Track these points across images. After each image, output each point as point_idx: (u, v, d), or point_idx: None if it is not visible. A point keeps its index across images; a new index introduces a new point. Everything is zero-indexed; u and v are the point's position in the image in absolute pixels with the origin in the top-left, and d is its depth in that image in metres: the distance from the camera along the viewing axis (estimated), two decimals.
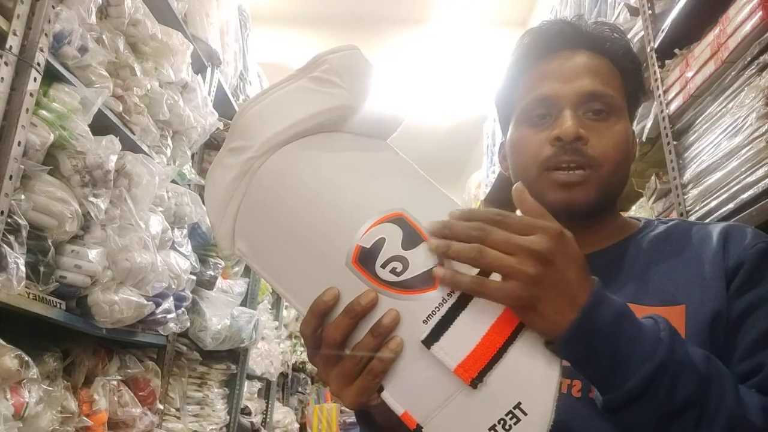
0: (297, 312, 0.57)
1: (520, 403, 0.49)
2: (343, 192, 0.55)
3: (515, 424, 0.49)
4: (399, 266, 0.52)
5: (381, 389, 0.52)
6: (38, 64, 1.35)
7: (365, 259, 0.52)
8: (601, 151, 0.73)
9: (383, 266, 0.52)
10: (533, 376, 0.50)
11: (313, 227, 0.54)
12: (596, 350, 0.52)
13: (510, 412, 0.49)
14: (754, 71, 1.17)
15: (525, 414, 0.49)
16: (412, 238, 0.53)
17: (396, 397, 0.52)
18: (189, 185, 2.26)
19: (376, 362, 0.51)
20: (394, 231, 0.53)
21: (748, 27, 1.16)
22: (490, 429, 0.49)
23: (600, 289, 0.53)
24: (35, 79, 1.33)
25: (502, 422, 0.49)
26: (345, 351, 0.53)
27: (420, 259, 0.52)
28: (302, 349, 4.71)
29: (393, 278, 0.51)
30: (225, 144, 0.59)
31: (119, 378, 1.83)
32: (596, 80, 0.75)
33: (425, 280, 0.51)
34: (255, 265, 0.57)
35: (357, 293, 0.52)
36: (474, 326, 0.50)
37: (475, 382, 0.49)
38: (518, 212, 0.56)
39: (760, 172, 1.11)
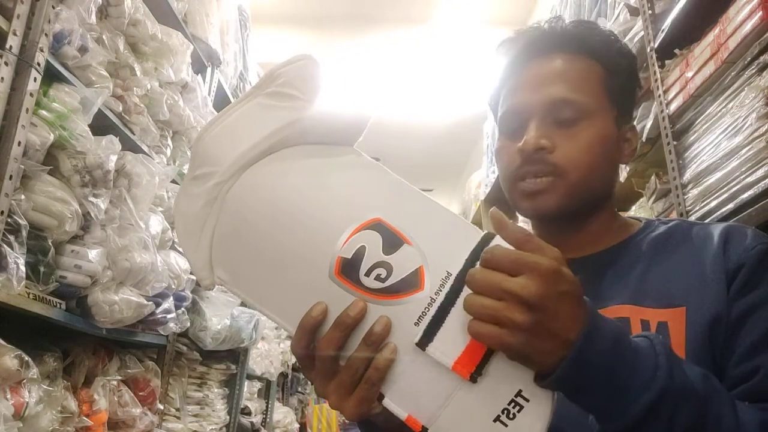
0: (287, 332, 0.56)
1: (521, 391, 0.50)
2: (317, 205, 0.55)
3: (519, 411, 0.49)
4: (383, 272, 0.51)
5: (381, 396, 0.52)
6: (38, 64, 1.35)
7: (348, 269, 0.52)
8: (568, 157, 0.73)
9: (367, 274, 0.51)
10: None
11: (290, 245, 0.54)
12: (591, 383, 0.51)
13: (512, 400, 0.49)
14: (754, 71, 1.17)
15: (527, 400, 0.49)
16: (392, 241, 0.52)
17: (398, 403, 0.52)
18: None
19: (373, 371, 0.50)
20: (373, 237, 0.52)
21: (748, 27, 1.16)
22: (495, 420, 0.49)
23: (593, 318, 0.51)
24: (35, 79, 1.33)
25: (506, 411, 0.49)
26: (340, 363, 0.52)
27: (403, 262, 0.51)
28: None
29: (379, 285, 0.51)
30: (188, 173, 0.58)
31: (119, 378, 1.83)
32: (566, 86, 0.75)
33: (411, 282, 0.51)
34: (238, 292, 0.56)
35: (345, 305, 0.51)
36: (466, 322, 0.50)
37: (474, 376, 0.49)
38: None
39: (760, 172, 1.11)
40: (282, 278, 0.54)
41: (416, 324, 0.50)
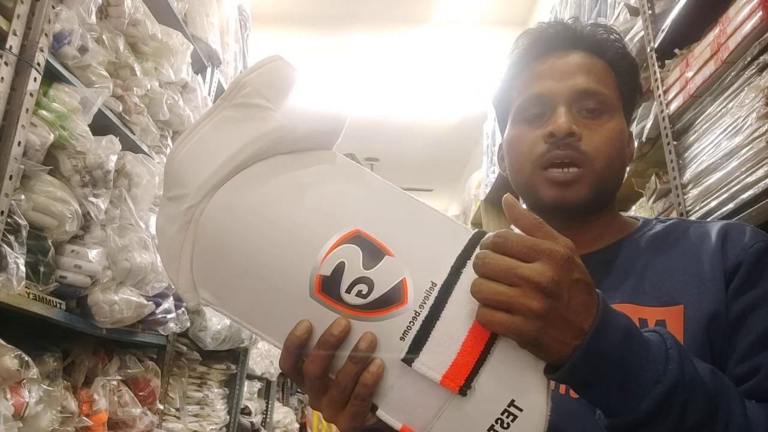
0: (278, 349, 0.54)
1: (513, 401, 0.49)
2: (293, 222, 0.53)
3: (513, 421, 0.49)
4: (364, 288, 0.50)
5: (375, 408, 0.52)
6: (38, 64, 1.35)
7: (328, 287, 0.50)
8: (593, 147, 0.73)
9: (348, 291, 0.50)
10: (522, 372, 0.50)
11: (269, 265, 0.52)
12: (602, 375, 0.50)
13: (505, 410, 0.49)
14: (754, 71, 1.17)
15: (521, 410, 0.49)
16: (373, 254, 0.50)
17: (391, 414, 0.51)
18: None
19: (361, 387, 0.50)
20: (353, 251, 0.51)
21: (748, 27, 1.16)
22: (489, 430, 0.49)
23: (605, 309, 0.50)
24: (35, 79, 1.33)
25: (499, 421, 0.49)
26: (330, 377, 0.52)
27: (385, 276, 0.50)
28: None
29: (360, 301, 0.50)
30: (164, 192, 0.56)
31: (119, 378, 1.84)
32: (590, 78, 0.75)
33: (394, 297, 0.49)
34: (223, 311, 0.55)
35: (328, 323, 0.50)
36: (452, 334, 0.49)
37: (464, 389, 0.48)
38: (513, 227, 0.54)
39: (760, 172, 1.11)
40: (264, 298, 0.53)
41: (402, 339, 0.49)
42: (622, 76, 0.79)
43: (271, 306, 0.53)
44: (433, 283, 0.50)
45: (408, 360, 0.49)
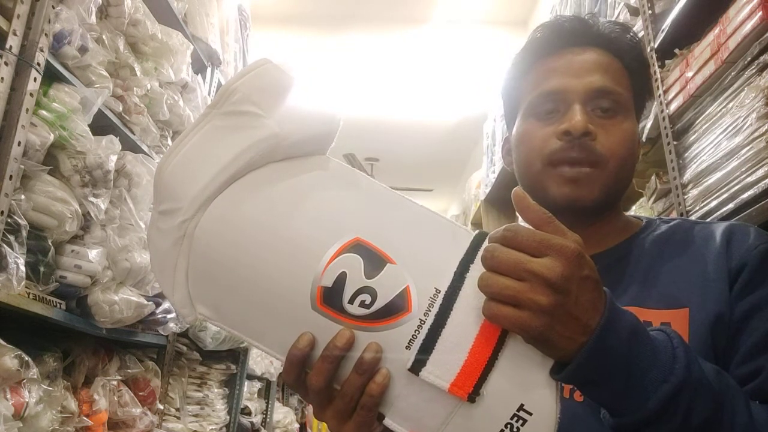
0: (280, 362, 0.53)
1: (523, 405, 0.48)
2: (290, 233, 0.51)
3: (522, 425, 0.48)
4: (367, 298, 0.49)
5: (382, 417, 0.51)
6: (38, 64, 1.35)
7: (330, 298, 0.49)
8: (608, 148, 0.72)
9: (351, 301, 0.49)
10: (530, 376, 0.49)
11: (268, 277, 0.51)
12: (609, 373, 0.50)
13: (515, 415, 0.48)
14: (754, 71, 1.17)
15: (530, 414, 0.48)
16: (374, 262, 0.50)
17: (399, 422, 0.51)
18: None
19: (367, 398, 0.49)
20: (354, 261, 0.50)
21: (748, 27, 1.16)
22: None
23: (612, 307, 0.50)
24: (35, 79, 1.33)
25: (509, 426, 0.48)
26: (335, 387, 0.51)
27: (388, 284, 0.49)
28: None
29: (364, 312, 0.49)
30: (154, 206, 0.55)
31: (119, 378, 1.84)
32: (606, 77, 0.74)
33: (398, 306, 0.49)
34: (222, 326, 0.54)
35: (331, 334, 0.49)
36: (459, 342, 0.48)
37: (472, 396, 0.48)
38: (521, 221, 0.54)
39: (760, 172, 1.11)
40: (264, 311, 0.52)
41: (407, 347, 0.48)
42: (636, 77, 0.78)
43: (273, 318, 0.52)
44: (437, 289, 0.49)
45: (415, 369, 0.48)
